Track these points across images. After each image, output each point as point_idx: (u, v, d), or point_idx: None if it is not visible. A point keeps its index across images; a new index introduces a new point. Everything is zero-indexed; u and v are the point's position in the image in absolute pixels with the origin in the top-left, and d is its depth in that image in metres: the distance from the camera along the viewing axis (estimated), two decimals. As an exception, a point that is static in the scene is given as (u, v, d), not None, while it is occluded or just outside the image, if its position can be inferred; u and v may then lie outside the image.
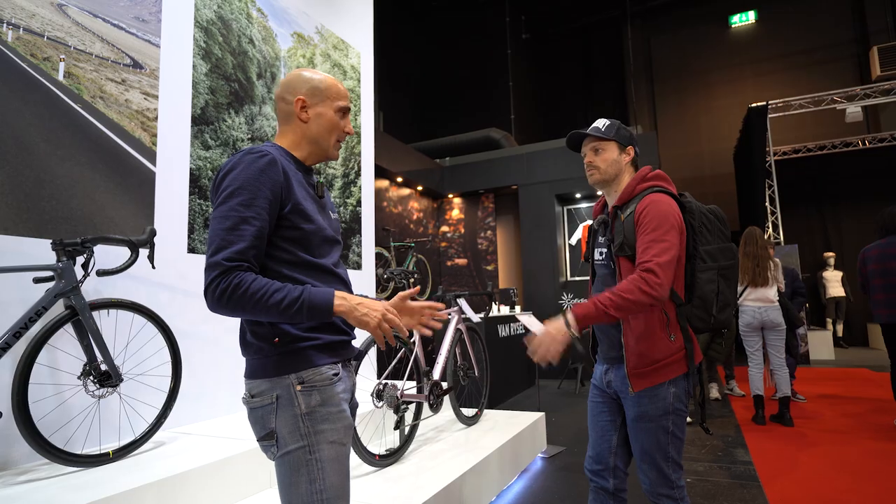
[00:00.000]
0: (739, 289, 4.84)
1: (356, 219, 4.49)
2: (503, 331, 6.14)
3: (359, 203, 4.53)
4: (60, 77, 2.45)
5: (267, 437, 1.19)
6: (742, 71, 12.40)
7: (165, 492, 1.93)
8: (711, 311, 1.74)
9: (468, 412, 3.59)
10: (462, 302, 3.82)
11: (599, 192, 1.92)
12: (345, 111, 1.36)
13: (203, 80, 3.17)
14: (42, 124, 2.34)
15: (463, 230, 8.66)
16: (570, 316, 1.56)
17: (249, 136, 3.47)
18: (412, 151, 7.94)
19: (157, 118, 2.86)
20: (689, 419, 4.62)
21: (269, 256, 1.21)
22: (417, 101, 12.77)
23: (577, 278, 7.90)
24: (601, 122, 1.83)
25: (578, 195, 7.91)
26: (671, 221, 1.63)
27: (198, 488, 2.05)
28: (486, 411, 3.85)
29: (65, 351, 2.23)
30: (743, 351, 4.81)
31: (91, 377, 2.15)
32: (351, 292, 1.28)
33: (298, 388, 1.18)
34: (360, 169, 4.57)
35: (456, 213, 8.76)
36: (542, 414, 3.83)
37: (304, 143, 1.33)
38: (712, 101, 12.62)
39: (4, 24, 2.26)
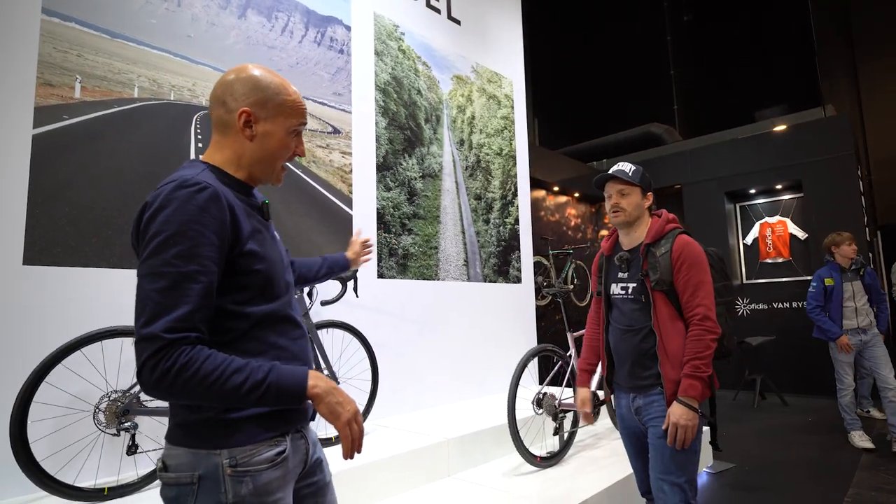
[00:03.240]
0: None
1: (515, 236, 4.87)
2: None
3: (516, 221, 4.90)
4: (287, 150, 3.23)
5: None
6: (982, 17, 10.02)
7: (368, 474, 2.50)
8: (723, 342, 1.90)
9: (627, 422, 3.72)
10: None
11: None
12: (298, 131, 1.12)
13: (383, 133, 3.82)
14: (276, 189, 3.14)
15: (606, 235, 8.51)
16: (692, 402, 1.72)
17: (421, 173, 4.06)
18: (566, 159, 8.08)
19: (351, 171, 3.56)
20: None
21: (217, 314, 0.98)
22: (572, 103, 12.74)
23: (756, 280, 7.26)
24: (627, 167, 1.95)
25: (752, 191, 7.27)
26: (706, 261, 1.83)
27: (392, 473, 2.60)
28: (646, 422, 3.92)
29: (300, 359, 2.97)
30: None
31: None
32: (303, 337, 1.13)
33: (229, 471, 0.94)
34: (516, 189, 4.94)
35: (615, 217, 8.64)
36: (705, 428, 3.78)
37: (245, 163, 1.08)
38: (938, 60, 10.40)
39: (252, 119, 3.09)
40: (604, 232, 8.77)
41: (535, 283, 6.90)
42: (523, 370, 2.95)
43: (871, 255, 6.47)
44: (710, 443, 2.04)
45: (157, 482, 2.16)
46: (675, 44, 11.70)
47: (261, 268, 1.02)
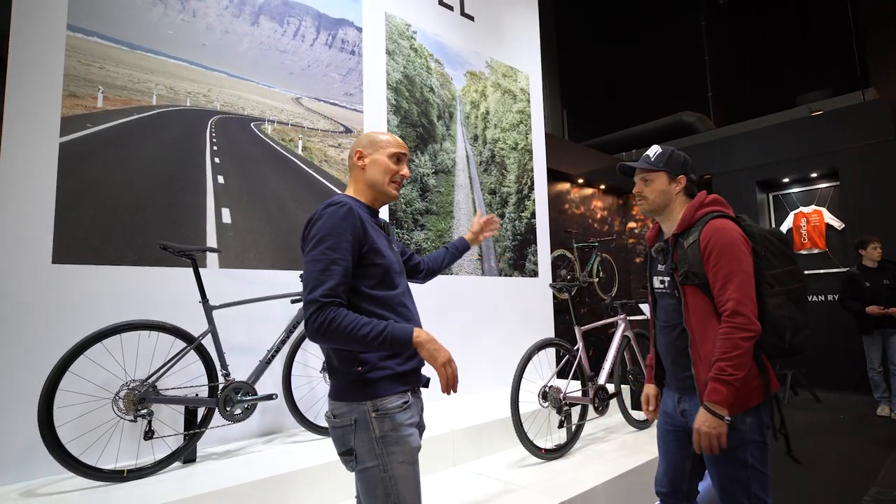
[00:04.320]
0: None
1: (531, 230, 4.87)
2: (693, 332, 5.88)
3: (533, 215, 4.91)
4: (300, 151, 3.36)
5: (347, 454, 1.38)
6: None
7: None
8: (785, 337, 1.64)
9: (639, 416, 3.70)
10: (644, 307, 3.95)
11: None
12: (399, 157, 1.56)
13: (395, 130, 3.90)
14: (290, 188, 3.27)
15: (651, 225, 8.35)
16: (714, 408, 1.53)
17: (433, 170, 4.12)
18: (592, 151, 7.98)
19: (363, 169, 3.65)
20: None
21: (352, 292, 1.39)
22: (603, 93, 12.52)
23: (790, 273, 7.01)
24: (652, 151, 1.83)
25: (786, 179, 7.00)
26: (740, 247, 1.61)
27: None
28: (661, 416, 3.89)
29: (312, 353, 3.10)
30: None
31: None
32: (416, 318, 1.54)
33: (373, 414, 1.36)
34: (532, 183, 4.94)
35: (643, 208, 8.49)
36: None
37: (366, 187, 1.54)
38: None
39: (266, 122, 3.23)
40: (632, 224, 8.63)
41: (560, 276, 6.88)
42: (527, 363, 2.98)
43: (914, 245, 6.14)
44: (787, 454, 1.79)
45: (173, 466, 2.33)
46: (709, 29, 11.31)
47: (381, 262, 1.43)
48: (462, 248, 2.03)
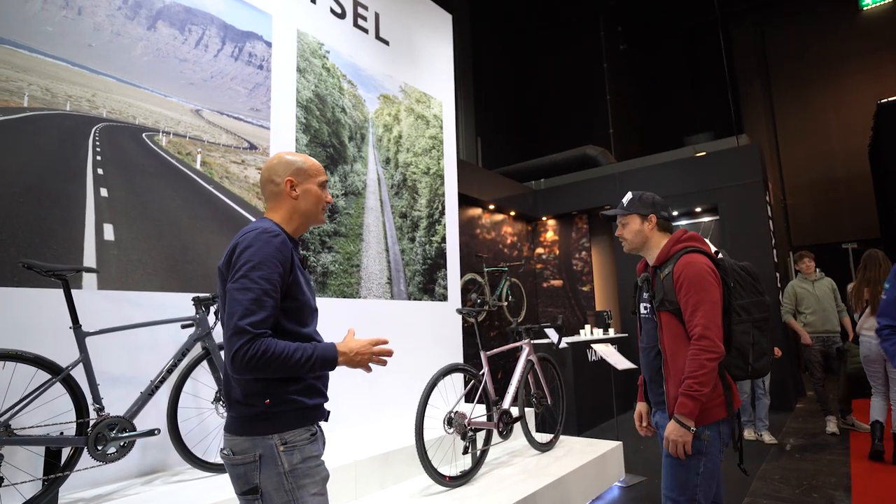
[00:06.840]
0: (855, 317, 4.52)
1: (441, 254, 4.91)
2: (594, 354, 6.18)
3: (443, 240, 4.96)
4: (198, 166, 3.16)
5: (250, 493, 1.32)
6: (878, 58, 11.08)
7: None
8: (748, 360, 1.88)
9: (542, 438, 3.79)
10: (550, 331, 4.09)
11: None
12: (324, 184, 1.57)
13: (304, 150, 3.79)
14: (186, 204, 3.05)
15: (557, 252, 8.77)
16: (682, 420, 1.75)
17: (343, 191, 4.05)
18: (503, 179, 8.26)
19: (268, 187, 3.50)
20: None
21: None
22: (516, 124, 13.08)
23: (678, 298, 7.62)
24: (626, 198, 2.07)
25: (675, 213, 7.66)
26: (708, 279, 1.81)
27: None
28: (563, 438, 4.02)
29: (202, 382, 2.87)
30: (864, 385, 4.47)
31: (221, 402, 2.76)
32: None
33: (282, 448, 1.31)
34: (443, 209, 5.01)
35: (550, 235, 8.90)
36: (619, 443, 3.91)
37: (296, 216, 1.51)
38: (842, 94, 11.40)
39: (160, 133, 3.01)
40: (540, 250, 9.00)
41: (470, 300, 6.98)
42: (432, 389, 2.96)
43: (777, 274, 6.92)
44: (738, 465, 2.01)
45: (25, 517, 2.03)
46: (611, 70, 12.24)
47: (301, 298, 1.41)
48: None
